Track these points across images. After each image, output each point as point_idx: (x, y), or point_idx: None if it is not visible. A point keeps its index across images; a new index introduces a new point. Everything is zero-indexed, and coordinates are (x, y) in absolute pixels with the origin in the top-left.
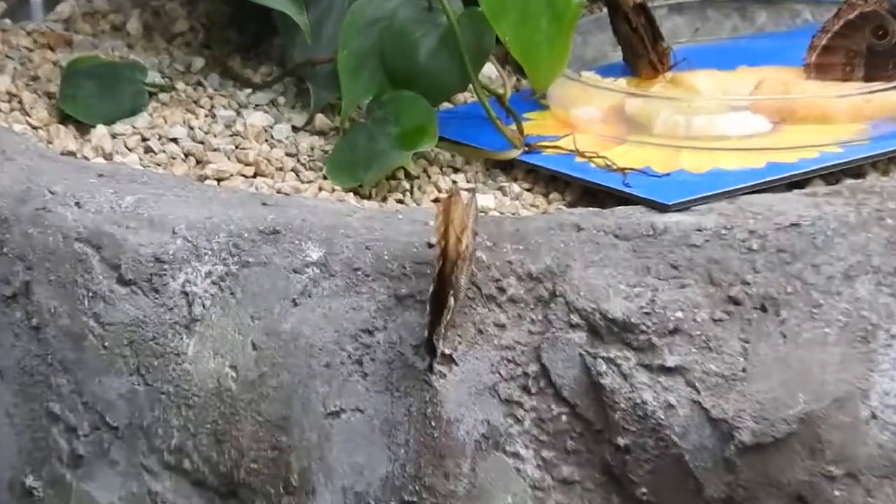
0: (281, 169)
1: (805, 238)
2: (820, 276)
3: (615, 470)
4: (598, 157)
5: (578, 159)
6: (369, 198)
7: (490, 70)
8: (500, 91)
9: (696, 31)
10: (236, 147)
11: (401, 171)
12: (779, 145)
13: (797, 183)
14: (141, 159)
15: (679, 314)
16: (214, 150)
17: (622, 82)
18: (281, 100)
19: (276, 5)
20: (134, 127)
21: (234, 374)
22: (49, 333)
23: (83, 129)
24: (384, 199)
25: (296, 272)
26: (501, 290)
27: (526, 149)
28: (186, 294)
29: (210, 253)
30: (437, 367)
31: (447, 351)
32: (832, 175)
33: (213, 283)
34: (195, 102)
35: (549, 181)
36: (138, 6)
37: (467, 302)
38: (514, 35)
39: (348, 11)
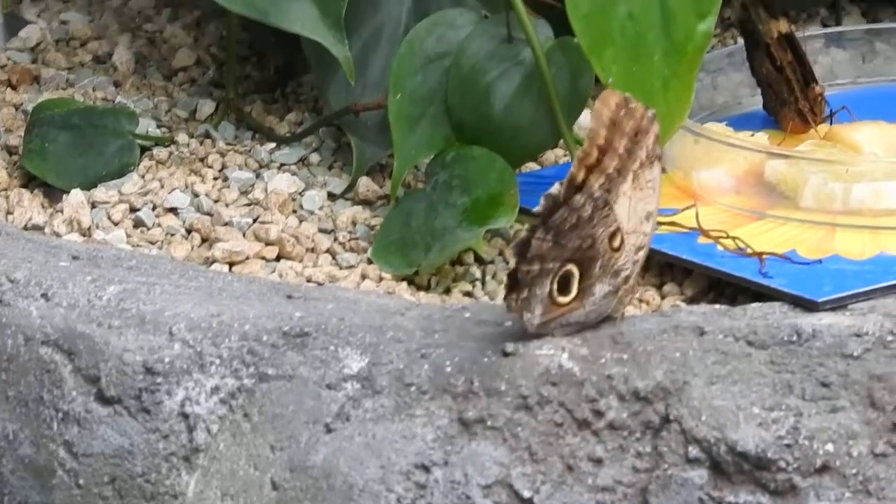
0: (312, 250)
1: None
2: None
3: None
4: (728, 237)
5: (702, 240)
6: (428, 289)
7: (588, 120)
8: None
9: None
10: (254, 221)
11: (469, 253)
12: None
13: None
14: (129, 236)
15: (830, 447)
16: (225, 224)
17: (761, 138)
18: (314, 158)
19: (308, 32)
20: (120, 193)
21: None
22: (6, 467)
23: (54, 194)
24: (447, 292)
25: (330, 388)
26: (598, 413)
27: None
28: (186, 416)
29: (218, 362)
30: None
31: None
32: None
33: (222, 401)
34: (201, 161)
35: (663, 268)
36: (128, 31)
37: (553, 429)
38: (620, 74)
39: (403, 42)
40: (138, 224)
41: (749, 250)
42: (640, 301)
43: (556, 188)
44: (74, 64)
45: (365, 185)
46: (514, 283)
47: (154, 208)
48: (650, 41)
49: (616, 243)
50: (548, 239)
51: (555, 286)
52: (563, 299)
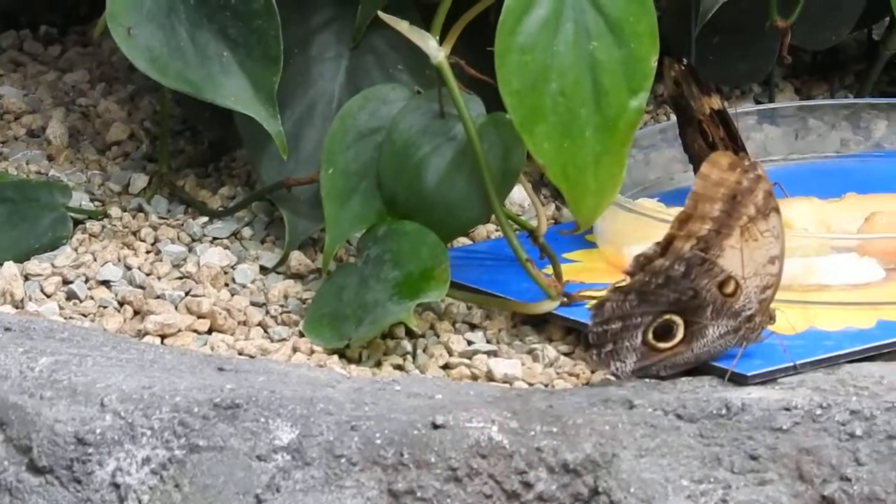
0: (244, 323)
1: None
2: None
3: None
4: None
5: None
6: (359, 362)
7: (520, 196)
8: (533, 224)
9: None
10: (187, 294)
11: (401, 327)
12: (895, 299)
13: None
14: (62, 308)
15: None
16: (158, 297)
17: None
18: (246, 232)
19: (241, 107)
20: (53, 266)
21: None
22: None
23: None
24: (378, 365)
25: (260, 459)
26: (527, 485)
27: (565, 300)
28: (118, 486)
29: (149, 433)
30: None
31: None
32: None
33: (153, 472)
34: (134, 234)
35: None
36: (62, 105)
37: (482, 500)
38: (552, 150)
39: (335, 118)
40: (71, 296)
41: None
42: (570, 375)
43: (650, 248)
44: (8, 137)
45: (297, 258)
46: (588, 342)
47: (87, 281)
48: (582, 117)
49: (729, 290)
50: (629, 300)
51: (650, 335)
52: (664, 345)
